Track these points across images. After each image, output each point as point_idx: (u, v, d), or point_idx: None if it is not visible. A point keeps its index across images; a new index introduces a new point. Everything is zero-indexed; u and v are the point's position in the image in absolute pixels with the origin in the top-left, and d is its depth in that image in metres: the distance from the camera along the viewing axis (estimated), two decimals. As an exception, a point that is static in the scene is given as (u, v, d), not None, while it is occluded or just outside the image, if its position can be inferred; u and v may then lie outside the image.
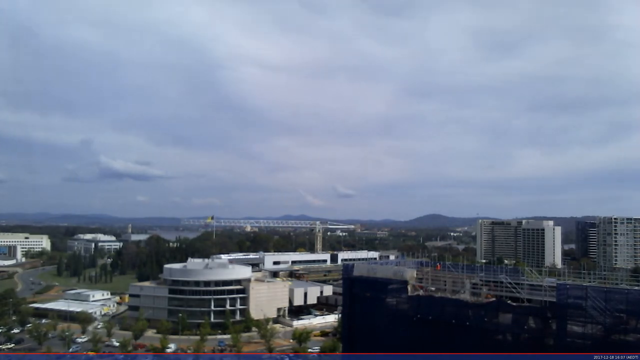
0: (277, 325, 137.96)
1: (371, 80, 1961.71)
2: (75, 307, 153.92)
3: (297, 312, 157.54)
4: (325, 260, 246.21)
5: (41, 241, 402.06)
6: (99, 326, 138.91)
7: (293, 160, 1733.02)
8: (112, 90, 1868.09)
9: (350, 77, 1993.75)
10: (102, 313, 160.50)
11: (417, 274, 61.36)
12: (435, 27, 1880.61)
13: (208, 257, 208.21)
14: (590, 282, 52.09)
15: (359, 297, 63.73)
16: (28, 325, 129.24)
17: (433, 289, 58.58)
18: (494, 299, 51.41)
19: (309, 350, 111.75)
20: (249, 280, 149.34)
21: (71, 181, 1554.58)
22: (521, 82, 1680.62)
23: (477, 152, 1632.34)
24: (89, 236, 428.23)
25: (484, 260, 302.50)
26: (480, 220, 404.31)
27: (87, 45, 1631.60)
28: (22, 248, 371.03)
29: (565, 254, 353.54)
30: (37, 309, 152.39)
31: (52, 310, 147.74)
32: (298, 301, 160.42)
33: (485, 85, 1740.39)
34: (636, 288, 51.65)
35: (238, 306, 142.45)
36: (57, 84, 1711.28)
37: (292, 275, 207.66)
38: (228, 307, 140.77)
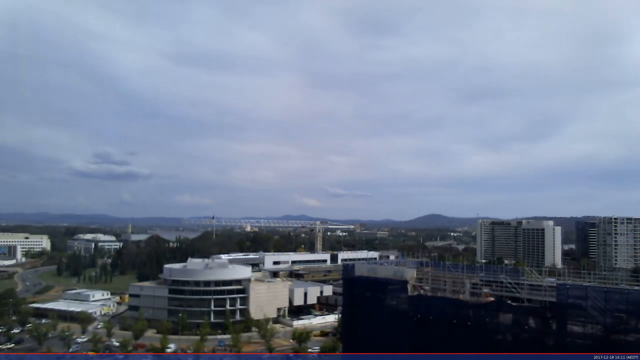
0: (277, 325, 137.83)
1: (268, 72, 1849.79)
2: (75, 307, 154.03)
3: (297, 312, 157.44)
4: (325, 260, 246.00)
5: (41, 241, 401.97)
6: (99, 326, 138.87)
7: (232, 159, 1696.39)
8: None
9: (247, 70, 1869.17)
10: (102, 313, 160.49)
11: (417, 274, 61.43)
12: (310, 10, 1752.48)
13: (208, 257, 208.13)
14: (590, 282, 52.10)
15: (359, 297, 63.75)
16: (28, 325, 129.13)
17: (427, 288, 58.70)
18: (492, 299, 51.49)
19: (309, 350, 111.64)
20: (249, 280, 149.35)
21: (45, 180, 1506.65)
22: (443, 69, 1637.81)
23: (429, 149, 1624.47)
24: (89, 236, 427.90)
25: (484, 260, 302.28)
26: (480, 220, 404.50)
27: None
28: (22, 248, 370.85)
29: (565, 254, 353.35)
30: (37, 309, 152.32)
31: (52, 310, 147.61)
32: (298, 301, 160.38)
33: (393, 74, 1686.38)
34: (636, 288, 51.72)
35: (238, 306, 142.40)
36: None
37: (292, 275, 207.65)
38: (228, 307, 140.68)
